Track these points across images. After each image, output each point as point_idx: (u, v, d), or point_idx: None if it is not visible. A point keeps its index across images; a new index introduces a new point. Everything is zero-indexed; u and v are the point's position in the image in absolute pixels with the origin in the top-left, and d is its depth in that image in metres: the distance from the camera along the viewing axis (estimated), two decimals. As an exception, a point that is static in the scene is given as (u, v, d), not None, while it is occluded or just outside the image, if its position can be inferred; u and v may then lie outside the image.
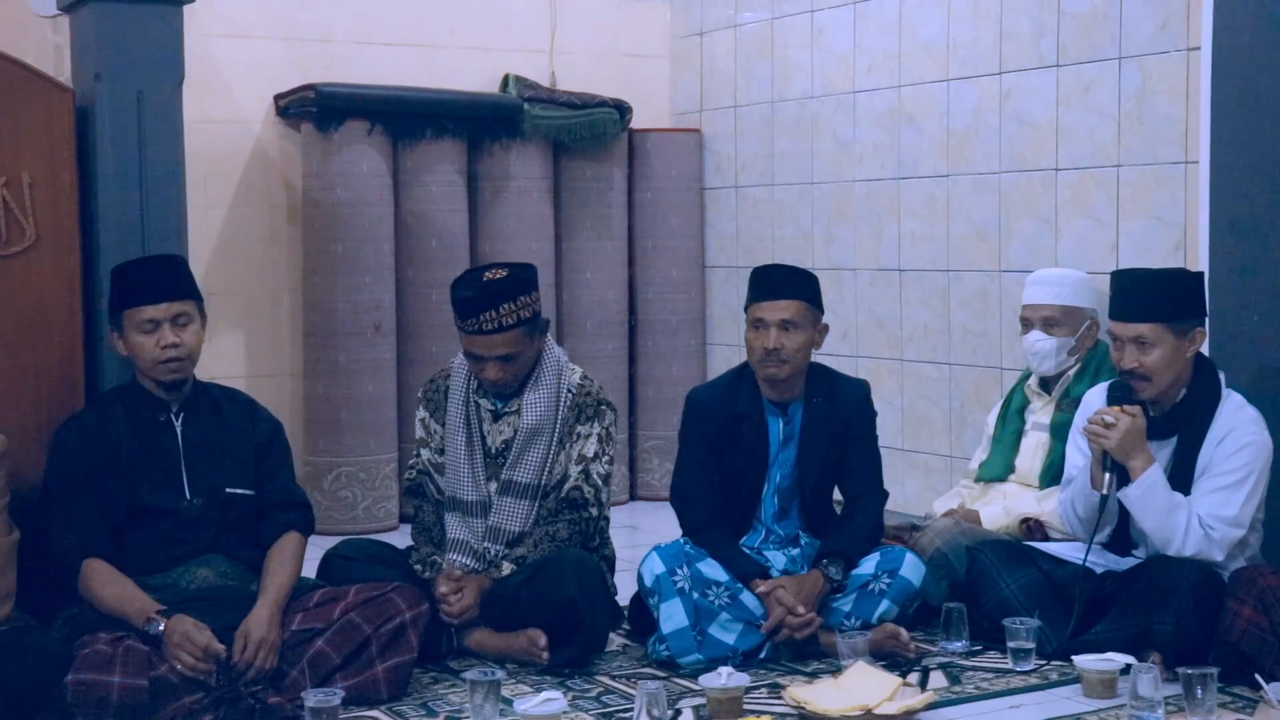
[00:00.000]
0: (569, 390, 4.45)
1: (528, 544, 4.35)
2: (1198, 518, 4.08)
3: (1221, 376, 4.27)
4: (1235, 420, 4.16)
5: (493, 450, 4.43)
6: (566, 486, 4.40)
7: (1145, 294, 4.19)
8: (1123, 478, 4.13)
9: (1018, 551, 4.44)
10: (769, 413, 4.49)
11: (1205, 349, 4.65)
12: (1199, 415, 4.19)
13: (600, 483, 4.42)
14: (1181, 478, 4.16)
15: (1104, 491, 4.15)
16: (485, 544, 4.39)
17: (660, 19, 7.23)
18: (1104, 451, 4.13)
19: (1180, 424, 4.20)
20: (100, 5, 4.35)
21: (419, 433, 4.55)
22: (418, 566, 4.38)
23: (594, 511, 4.42)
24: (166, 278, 4.06)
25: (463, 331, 4.35)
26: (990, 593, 4.35)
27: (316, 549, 4.52)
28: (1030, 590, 4.30)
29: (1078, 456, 4.32)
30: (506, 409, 4.43)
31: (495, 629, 4.31)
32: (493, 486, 4.42)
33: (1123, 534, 4.30)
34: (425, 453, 4.52)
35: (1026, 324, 4.97)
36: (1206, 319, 4.30)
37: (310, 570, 4.34)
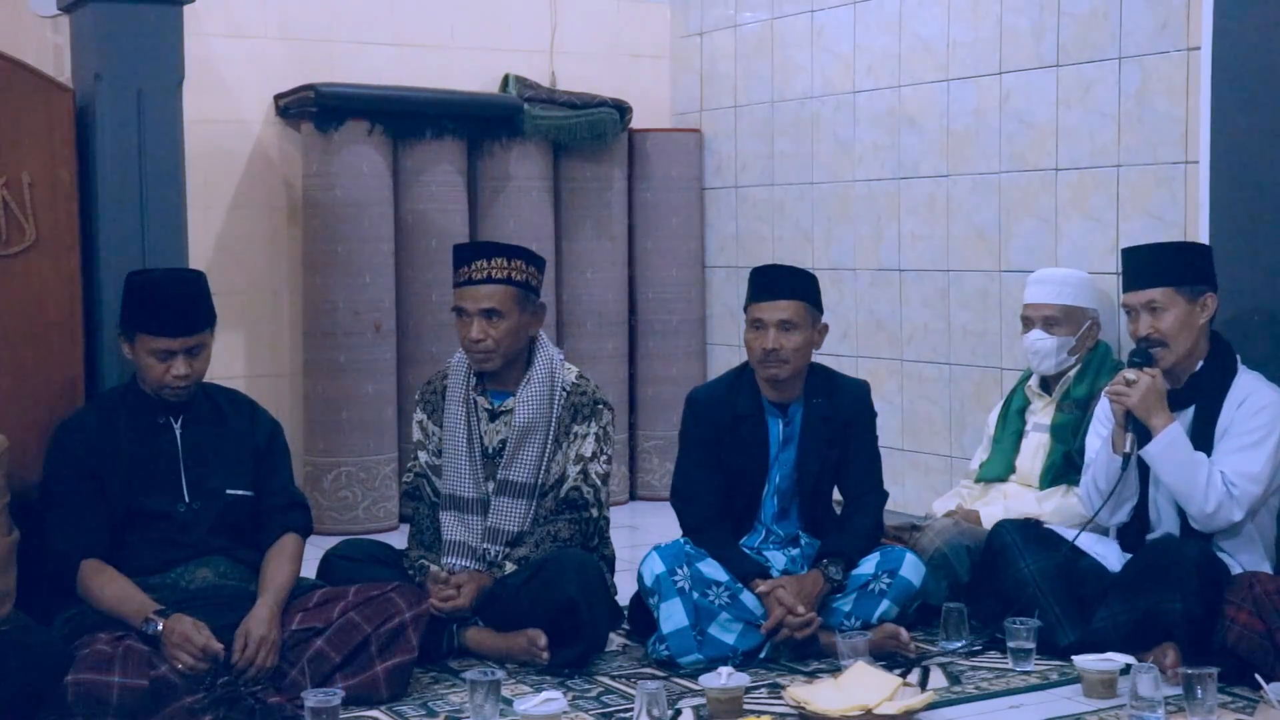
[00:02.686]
0: (563, 389, 4.44)
1: (529, 544, 4.35)
2: (1220, 474, 4.11)
3: (1238, 356, 4.30)
4: (1253, 385, 4.22)
5: (489, 450, 4.43)
6: (565, 487, 4.40)
7: (1154, 261, 4.28)
8: (1145, 438, 4.16)
9: (1041, 534, 4.42)
10: (769, 413, 4.49)
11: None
12: (1216, 383, 4.24)
13: (600, 482, 4.42)
14: (1202, 445, 4.19)
15: (1126, 451, 4.19)
16: (484, 544, 4.39)
17: (660, 19, 7.23)
18: (1125, 412, 4.17)
19: (1198, 392, 4.25)
20: (100, 5, 4.34)
21: (416, 435, 4.55)
22: (410, 571, 4.38)
23: (594, 512, 4.41)
24: (187, 309, 4.02)
25: (455, 288, 4.38)
26: (1008, 571, 4.31)
27: (316, 549, 4.52)
28: (1050, 574, 4.27)
29: (1096, 441, 4.35)
30: (502, 408, 4.43)
31: (495, 629, 4.31)
32: (490, 486, 4.42)
33: (1142, 517, 4.30)
34: (423, 455, 4.52)
35: (1027, 323, 4.97)
36: (1217, 289, 4.30)
37: (310, 570, 4.34)
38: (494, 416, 4.44)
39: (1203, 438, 4.20)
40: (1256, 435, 4.14)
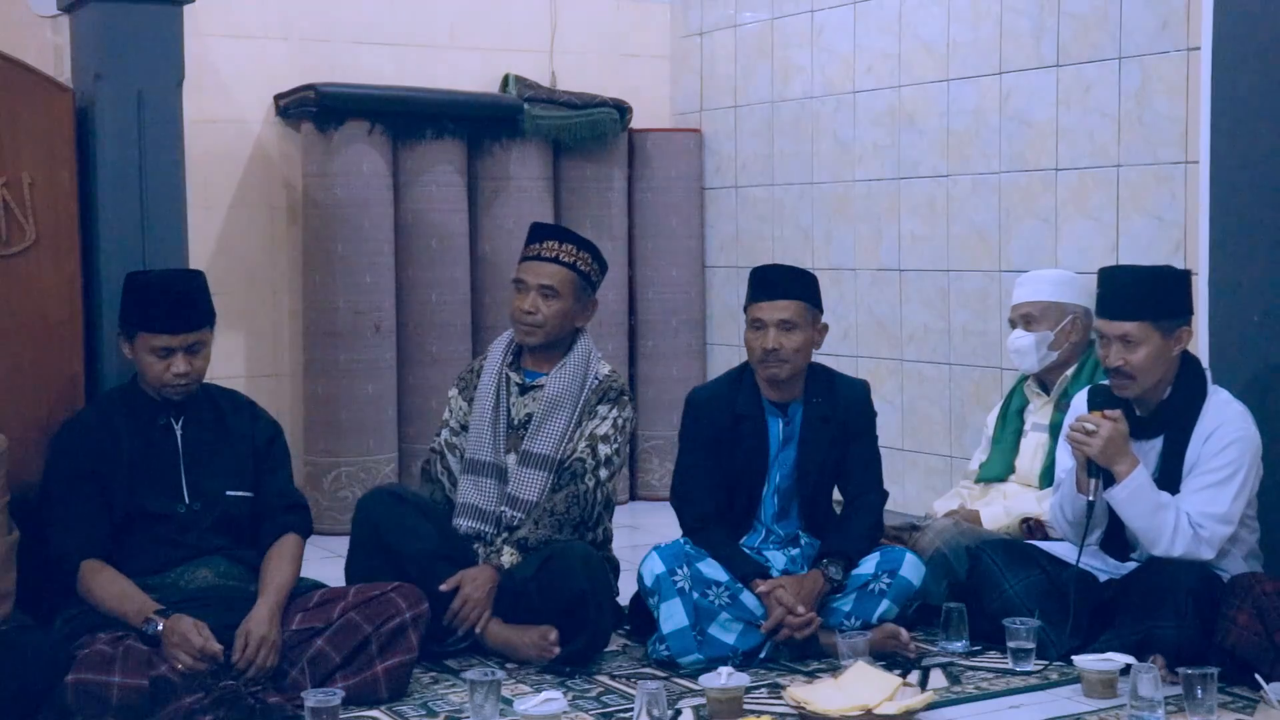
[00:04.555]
0: (595, 377, 4.54)
1: (528, 525, 4.38)
2: (1186, 516, 4.06)
3: (1208, 373, 4.26)
4: (1222, 416, 4.14)
5: (515, 422, 4.50)
6: (571, 458, 4.44)
7: (1131, 292, 4.17)
8: (1109, 480, 4.12)
9: (1021, 552, 4.42)
10: (769, 413, 4.49)
11: (1205, 348, 4.66)
12: (1185, 412, 4.17)
13: (602, 458, 4.44)
14: (1170, 476, 4.15)
15: (1090, 497, 4.13)
16: (501, 508, 4.44)
17: (660, 19, 7.23)
18: (1088, 457, 4.13)
19: (1166, 422, 4.19)
20: (100, 5, 4.34)
21: (445, 413, 4.67)
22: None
23: (589, 483, 4.43)
24: (186, 306, 4.04)
25: (521, 262, 4.55)
26: (994, 594, 4.33)
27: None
28: (1034, 591, 4.28)
29: (1066, 460, 4.29)
30: (533, 384, 4.50)
31: (504, 620, 4.32)
32: (511, 459, 4.47)
33: (1118, 537, 4.29)
34: (445, 433, 4.63)
35: (1011, 324, 4.98)
36: (1192, 317, 4.26)
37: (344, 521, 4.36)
38: (524, 391, 4.52)
39: (1171, 470, 4.15)
40: (1224, 472, 4.07)
